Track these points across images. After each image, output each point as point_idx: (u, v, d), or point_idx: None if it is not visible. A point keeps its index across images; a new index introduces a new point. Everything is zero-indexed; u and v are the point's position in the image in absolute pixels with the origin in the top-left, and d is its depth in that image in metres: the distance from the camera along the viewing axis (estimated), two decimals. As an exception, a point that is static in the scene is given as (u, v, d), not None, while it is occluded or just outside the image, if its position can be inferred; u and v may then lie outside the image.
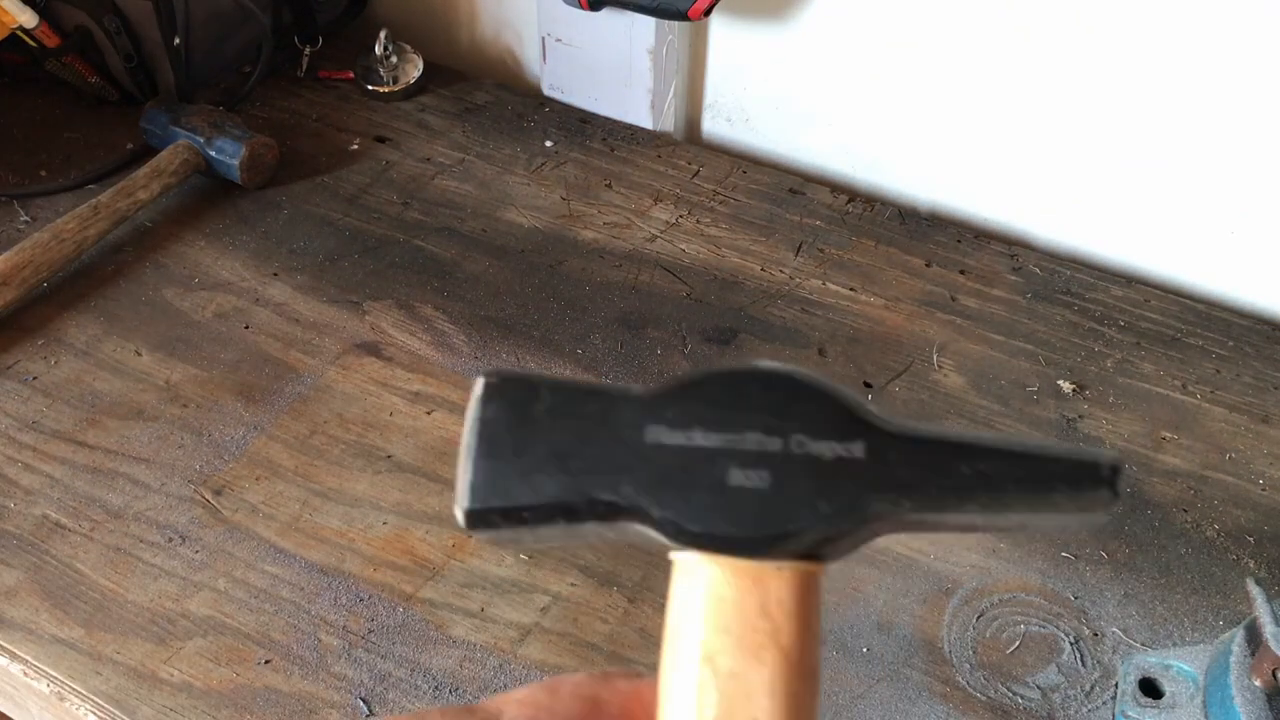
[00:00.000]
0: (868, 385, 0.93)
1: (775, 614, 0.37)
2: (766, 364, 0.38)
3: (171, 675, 0.73)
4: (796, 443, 0.37)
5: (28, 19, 1.06)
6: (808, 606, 0.37)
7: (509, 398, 0.38)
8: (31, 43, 1.09)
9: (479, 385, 0.37)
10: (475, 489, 0.37)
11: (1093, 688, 0.74)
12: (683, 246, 1.05)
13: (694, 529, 0.37)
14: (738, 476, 0.37)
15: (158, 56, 1.12)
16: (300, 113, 1.19)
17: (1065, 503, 0.35)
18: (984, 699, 0.73)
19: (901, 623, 0.77)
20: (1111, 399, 0.93)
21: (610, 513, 0.38)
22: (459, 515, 0.37)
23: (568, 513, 0.38)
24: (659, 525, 0.37)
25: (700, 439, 0.37)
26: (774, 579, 0.37)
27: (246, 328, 0.96)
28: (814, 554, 0.37)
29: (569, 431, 0.38)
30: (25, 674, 0.74)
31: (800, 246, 1.05)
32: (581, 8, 1.09)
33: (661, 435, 0.37)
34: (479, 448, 0.37)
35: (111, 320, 0.96)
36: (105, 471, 0.85)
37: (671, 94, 1.19)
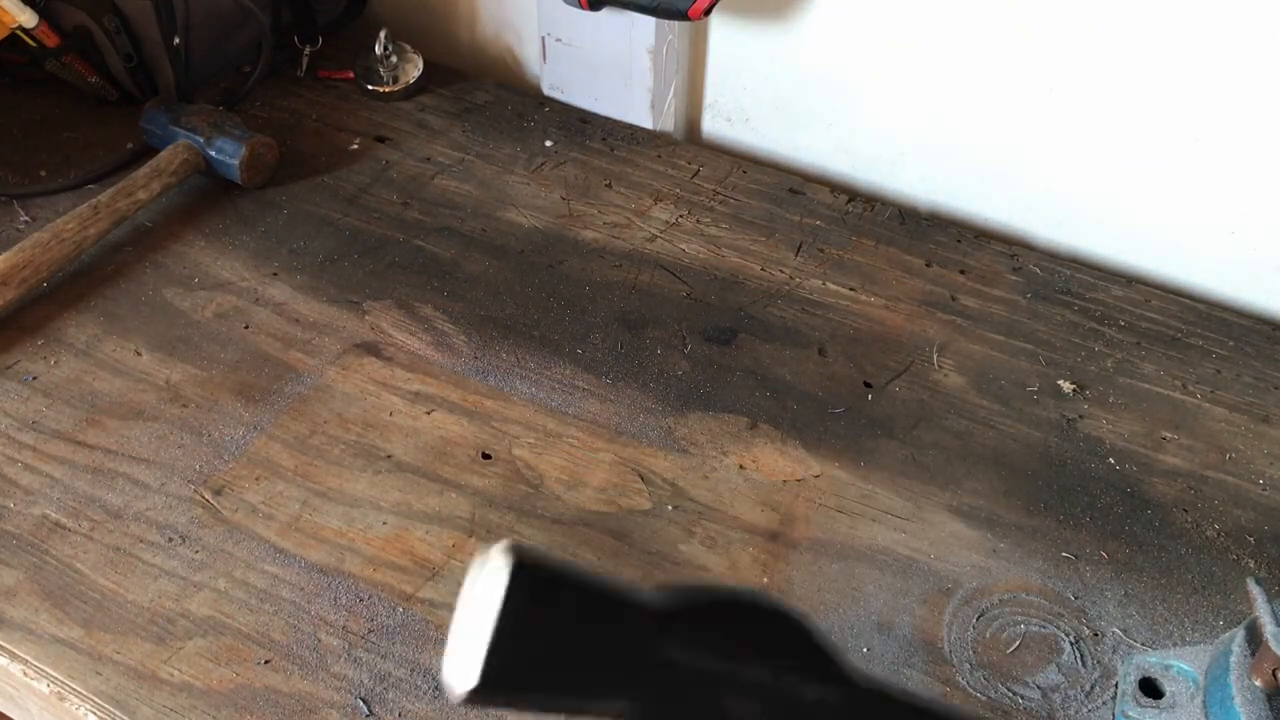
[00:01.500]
0: (868, 385, 0.93)
1: None
2: (765, 599, 0.40)
3: (171, 675, 0.73)
4: (788, 682, 0.39)
5: (27, 19, 1.06)
6: None
7: (533, 588, 0.37)
8: (31, 42, 1.09)
9: (499, 560, 0.36)
10: (489, 669, 0.36)
11: (1093, 688, 0.74)
12: (683, 246, 1.05)
13: None
14: (733, 705, 0.38)
15: (157, 56, 1.12)
16: (300, 112, 1.19)
17: None
18: (984, 699, 0.73)
19: (901, 623, 0.77)
20: (1112, 399, 0.93)
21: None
22: (459, 686, 0.36)
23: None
24: None
25: (707, 662, 0.38)
26: None
27: (246, 327, 0.96)
28: None
29: (587, 636, 0.37)
30: (25, 674, 0.74)
31: (800, 246, 1.05)
32: (581, 8, 1.09)
33: (674, 652, 0.38)
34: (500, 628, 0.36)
35: (111, 320, 0.96)
36: (105, 471, 0.85)
37: (671, 94, 1.19)
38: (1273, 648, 0.62)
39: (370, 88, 1.20)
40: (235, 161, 1.05)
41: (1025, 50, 1.03)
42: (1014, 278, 1.03)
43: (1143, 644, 0.76)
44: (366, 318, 0.97)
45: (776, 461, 0.87)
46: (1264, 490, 0.86)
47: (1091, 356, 0.96)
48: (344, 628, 0.76)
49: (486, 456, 0.86)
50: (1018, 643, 0.76)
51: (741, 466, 0.86)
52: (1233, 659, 0.65)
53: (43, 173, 1.10)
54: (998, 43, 1.03)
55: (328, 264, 1.02)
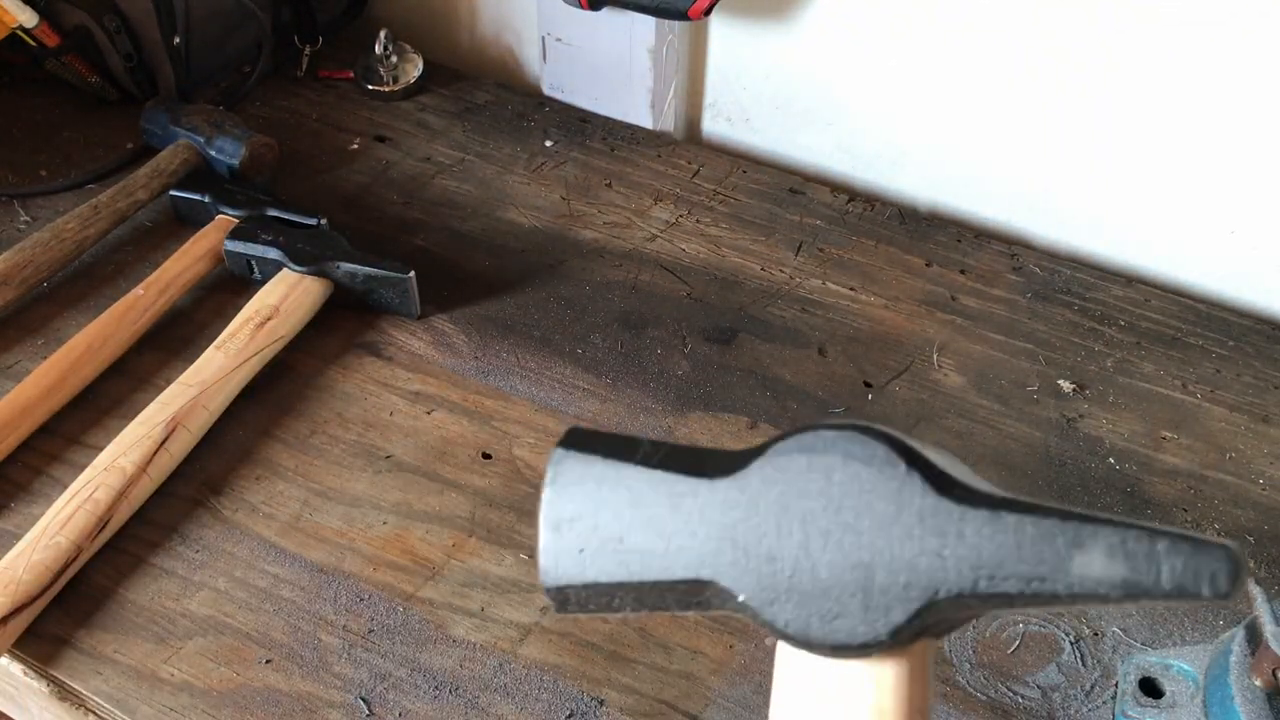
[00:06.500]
0: (868, 385, 0.93)
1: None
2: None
3: (172, 675, 0.73)
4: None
5: (27, 18, 1.06)
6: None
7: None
8: (31, 42, 1.09)
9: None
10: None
11: (1093, 687, 0.74)
12: (683, 246, 1.05)
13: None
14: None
15: (157, 56, 1.12)
16: (300, 112, 1.19)
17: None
18: (984, 698, 0.73)
19: (901, 622, 0.77)
20: (1111, 398, 0.93)
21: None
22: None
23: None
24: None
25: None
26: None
27: (246, 327, 0.95)
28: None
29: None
30: (25, 673, 0.74)
31: (800, 246, 1.05)
32: (582, 7, 1.09)
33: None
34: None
35: (111, 320, 0.96)
36: (105, 471, 0.84)
37: (671, 93, 1.19)
38: (1273, 647, 0.62)
39: (370, 87, 1.20)
40: (235, 161, 1.05)
41: (1026, 49, 1.02)
42: (1014, 277, 1.03)
43: (1142, 643, 0.76)
44: (366, 317, 0.97)
45: (776, 461, 0.87)
46: (1264, 490, 0.86)
47: (1091, 356, 0.96)
48: (344, 627, 0.76)
49: (487, 456, 0.86)
50: (1017, 642, 0.76)
51: (741, 466, 0.86)
52: (1233, 658, 0.65)
53: (43, 172, 1.10)
54: (998, 41, 1.03)
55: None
